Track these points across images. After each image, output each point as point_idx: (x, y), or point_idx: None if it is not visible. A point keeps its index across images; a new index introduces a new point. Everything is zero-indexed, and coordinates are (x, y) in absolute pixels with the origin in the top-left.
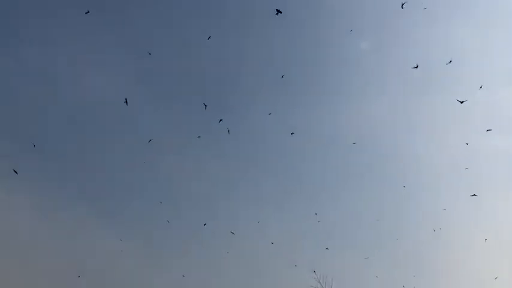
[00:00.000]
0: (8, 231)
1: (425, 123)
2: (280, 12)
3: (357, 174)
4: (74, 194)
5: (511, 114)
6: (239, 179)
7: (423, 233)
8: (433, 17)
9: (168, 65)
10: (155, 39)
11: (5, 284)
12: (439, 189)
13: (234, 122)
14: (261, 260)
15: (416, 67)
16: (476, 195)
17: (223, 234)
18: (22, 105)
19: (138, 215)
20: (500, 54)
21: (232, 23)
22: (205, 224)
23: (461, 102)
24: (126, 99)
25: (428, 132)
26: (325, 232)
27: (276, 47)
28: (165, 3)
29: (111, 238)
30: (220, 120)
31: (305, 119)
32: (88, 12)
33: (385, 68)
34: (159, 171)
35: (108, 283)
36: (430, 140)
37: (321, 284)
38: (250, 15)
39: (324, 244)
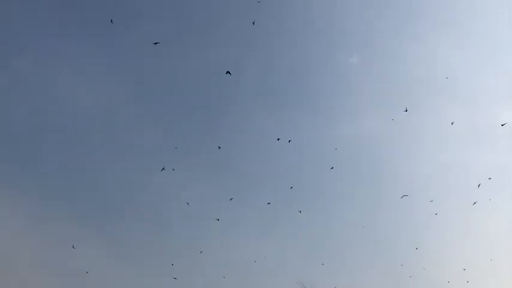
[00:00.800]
0: None
1: (410, 138)
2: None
3: (339, 188)
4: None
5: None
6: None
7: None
8: (421, 36)
9: (159, 81)
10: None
11: None
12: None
13: (225, 141)
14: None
15: (406, 110)
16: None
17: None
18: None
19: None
20: (485, 73)
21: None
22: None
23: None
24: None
25: (411, 147)
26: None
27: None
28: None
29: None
30: (219, 146)
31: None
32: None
33: (373, 84)
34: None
35: None
36: (413, 154)
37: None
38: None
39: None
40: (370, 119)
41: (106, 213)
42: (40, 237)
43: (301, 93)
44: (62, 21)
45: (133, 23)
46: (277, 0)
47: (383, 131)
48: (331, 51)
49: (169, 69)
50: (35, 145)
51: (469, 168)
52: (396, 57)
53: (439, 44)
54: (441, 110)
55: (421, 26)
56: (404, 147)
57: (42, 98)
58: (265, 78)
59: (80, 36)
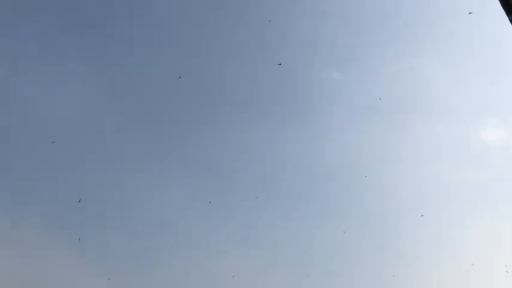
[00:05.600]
0: None
1: (392, 152)
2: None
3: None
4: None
5: (478, 149)
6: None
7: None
8: (402, 51)
9: (141, 85)
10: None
11: None
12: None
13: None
14: None
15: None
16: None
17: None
18: None
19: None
20: (467, 87)
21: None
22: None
23: None
24: None
25: (394, 161)
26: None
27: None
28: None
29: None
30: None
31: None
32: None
33: (354, 98)
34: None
35: None
36: (397, 169)
37: None
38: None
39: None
40: (348, 133)
41: (79, 214)
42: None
43: (284, 104)
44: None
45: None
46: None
47: (359, 146)
48: (313, 65)
49: (151, 71)
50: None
51: (447, 184)
52: (376, 74)
53: (419, 63)
54: (419, 126)
55: (401, 43)
56: (381, 162)
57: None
58: (246, 89)
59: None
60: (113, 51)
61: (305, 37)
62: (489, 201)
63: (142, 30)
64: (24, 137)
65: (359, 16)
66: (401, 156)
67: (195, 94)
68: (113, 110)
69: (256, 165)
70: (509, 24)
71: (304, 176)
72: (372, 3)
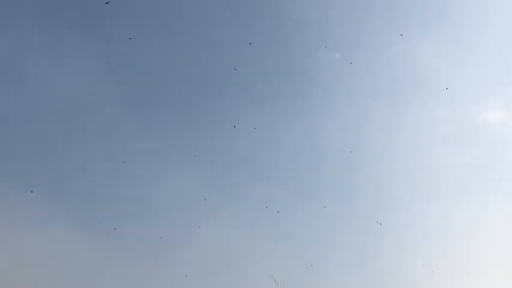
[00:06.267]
0: None
1: (395, 134)
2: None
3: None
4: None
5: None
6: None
7: None
8: (405, 37)
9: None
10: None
11: None
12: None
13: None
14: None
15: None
16: None
17: None
18: None
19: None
20: (467, 72)
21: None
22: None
23: None
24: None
25: (397, 142)
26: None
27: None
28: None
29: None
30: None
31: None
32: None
33: (357, 81)
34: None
35: None
36: (399, 149)
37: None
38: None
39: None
40: (350, 115)
41: (77, 199)
42: None
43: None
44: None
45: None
46: None
47: (361, 127)
48: (315, 47)
49: (148, 57)
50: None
51: (444, 166)
52: (379, 56)
53: (422, 44)
54: (420, 108)
55: (406, 26)
56: (382, 143)
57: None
58: (249, 73)
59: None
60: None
61: (310, 18)
62: (490, 182)
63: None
64: (24, 116)
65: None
66: (402, 137)
67: (198, 78)
68: (115, 90)
69: (254, 148)
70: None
71: (302, 159)
72: None
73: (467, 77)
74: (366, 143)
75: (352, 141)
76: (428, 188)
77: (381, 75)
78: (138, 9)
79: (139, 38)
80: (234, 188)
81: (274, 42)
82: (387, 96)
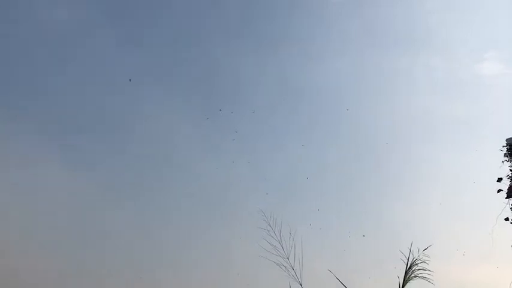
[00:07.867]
0: None
1: (387, 85)
2: None
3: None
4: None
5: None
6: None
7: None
8: None
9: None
10: None
11: None
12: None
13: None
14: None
15: None
16: None
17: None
18: None
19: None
20: (464, 20)
21: None
22: None
23: None
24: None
25: (387, 93)
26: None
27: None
28: None
29: None
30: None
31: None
32: None
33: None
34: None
35: None
36: (387, 100)
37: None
38: None
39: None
40: (340, 60)
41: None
42: None
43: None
44: None
45: None
46: None
47: (351, 73)
48: None
49: None
50: None
51: (439, 117)
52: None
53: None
54: (415, 56)
55: None
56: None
57: None
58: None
59: None
60: None
61: None
62: (479, 136)
63: None
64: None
65: None
66: (394, 88)
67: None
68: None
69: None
70: None
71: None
72: None
73: (463, 30)
74: (360, 84)
75: (343, 85)
76: (422, 132)
77: (374, 19)
78: None
79: None
80: None
81: None
82: (378, 40)
